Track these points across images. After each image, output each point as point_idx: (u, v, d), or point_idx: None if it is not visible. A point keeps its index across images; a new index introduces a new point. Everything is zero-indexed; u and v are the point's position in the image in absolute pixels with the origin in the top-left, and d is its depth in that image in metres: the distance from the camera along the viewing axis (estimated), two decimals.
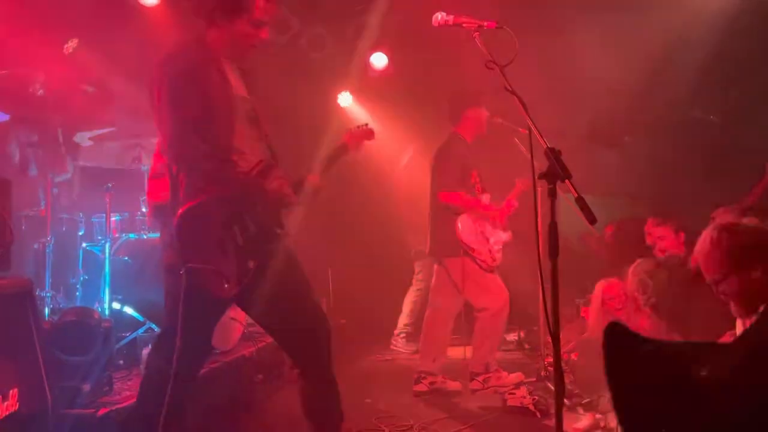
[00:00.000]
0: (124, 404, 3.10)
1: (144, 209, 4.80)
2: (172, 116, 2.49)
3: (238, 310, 4.33)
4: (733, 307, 2.47)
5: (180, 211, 2.46)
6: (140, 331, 4.17)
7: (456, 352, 5.09)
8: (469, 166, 4.60)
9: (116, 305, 4.31)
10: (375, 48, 5.97)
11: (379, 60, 5.94)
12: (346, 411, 2.80)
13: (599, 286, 4.46)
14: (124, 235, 4.70)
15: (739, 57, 6.33)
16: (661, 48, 5.82)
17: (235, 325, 4.36)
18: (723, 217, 4.02)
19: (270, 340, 4.53)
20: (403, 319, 6.24)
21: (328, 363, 2.76)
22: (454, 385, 4.57)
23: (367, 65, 5.99)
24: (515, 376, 4.53)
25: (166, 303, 2.67)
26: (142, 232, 4.73)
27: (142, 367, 3.09)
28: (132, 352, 4.01)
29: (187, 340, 2.53)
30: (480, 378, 4.49)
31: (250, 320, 3.93)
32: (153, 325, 4.16)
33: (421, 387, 4.52)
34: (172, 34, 4.88)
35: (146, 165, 4.73)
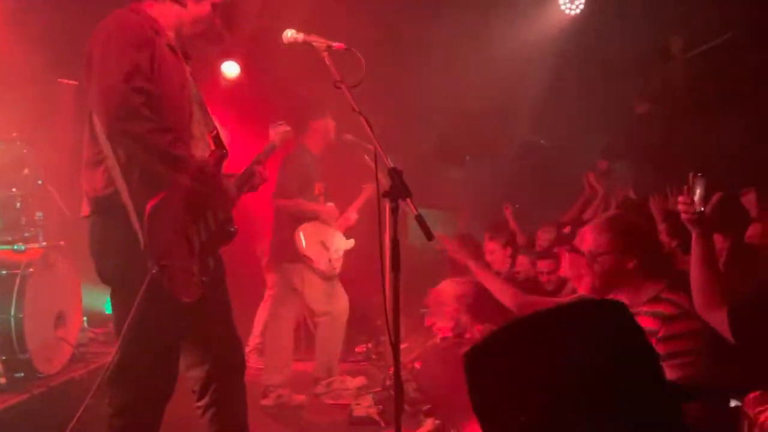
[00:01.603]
0: None
1: None
2: (119, 85, 2.18)
3: (68, 326, 4.02)
4: (592, 284, 2.69)
5: (150, 204, 2.21)
6: None
7: (301, 366, 5.09)
8: (313, 178, 4.66)
9: None
10: (226, 56, 5.84)
11: (230, 69, 5.82)
12: (190, 429, 2.71)
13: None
14: None
15: (566, 88, 7.05)
16: (502, 77, 6.32)
17: (62, 345, 4.01)
18: (543, 235, 4.47)
19: (105, 360, 4.23)
20: (255, 337, 5.97)
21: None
22: (299, 399, 4.57)
23: (218, 73, 5.84)
24: (358, 380, 4.64)
25: (119, 320, 2.34)
26: None
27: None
28: None
29: (141, 356, 2.28)
30: (324, 382, 4.56)
31: (81, 341, 3.64)
32: None
33: (268, 401, 4.47)
34: None
35: None
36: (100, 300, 5.16)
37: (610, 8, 5.81)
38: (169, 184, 2.28)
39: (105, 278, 2.46)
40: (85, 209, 2.45)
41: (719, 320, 2.23)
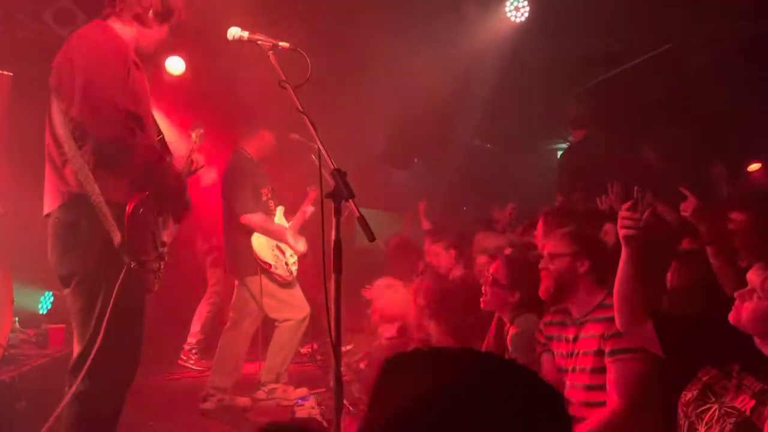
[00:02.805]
0: None
1: None
2: (102, 99, 2.36)
3: (4, 328, 3.87)
4: (546, 287, 2.81)
5: (132, 204, 2.38)
6: None
7: (248, 368, 5.03)
8: (259, 185, 4.60)
9: None
10: (171, 51, 5.70)
11: (175, 64, 5.67)
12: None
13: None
14: None
15: (511, 94, 7.21)
16: (449, 82, 6.40)
17: None
18: (483, 240, 4.56)
19: (38, 363, 4.09)
20: (194, 334, 5.90)
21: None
22: (243, 401, 4.51)
23: (162, 69, 5.69)
24: (300, 391, 4.55)
25: (85, 313, 2.44)
26: None
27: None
28: None
29: (113, 345, 2.38)
30: (266, 388, 4.48)
31: (12, 342, 3.50)
32: None
33: (209, 404, 4.40)
34: None
35: None
36: (34, 300, 4.97)
37: (554, 16, 5.95)
38: (144, 185, 2.47)
39: (67, 273, 2.50)
40: (50, 206, 2.50)
41: (646, 334, 2.29)
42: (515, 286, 3.23)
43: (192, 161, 2.99)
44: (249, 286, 4.55)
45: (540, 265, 2.89)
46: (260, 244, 4.50)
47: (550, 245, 2.86)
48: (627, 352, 2.50)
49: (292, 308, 4.59)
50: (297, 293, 4.66)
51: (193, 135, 3.30)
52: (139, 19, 2.63)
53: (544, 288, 2.85)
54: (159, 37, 2.73)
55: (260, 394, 4.48)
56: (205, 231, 5.72)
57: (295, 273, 4.66)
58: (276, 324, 4.64)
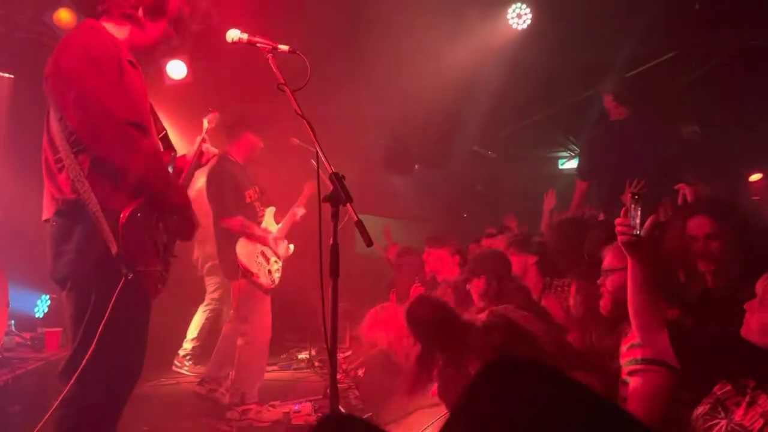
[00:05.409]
0: None
1: None
2: (97, 113, 2.28)
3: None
4: (603, 305, 2.69)
5: (125, 213, 2.32)
6: None
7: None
8: (243, 187, 4.51)
9: None
10: (173, 55, 5.70)
11: (176, 69, 5.67)
12: None
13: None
14: None
15: (512, 103, 7.21)
16: (451, 89, 6.40)
17: None
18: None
19: (33, 366, 4.06)
20: (190, 341, 5.84)
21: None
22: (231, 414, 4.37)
23: (163, 73, 5.68)
24: (274, 414, 4.33)
25: (75, 319, 2.39)
26: None
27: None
28: None
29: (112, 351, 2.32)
30: (238, 409, 4.30)
31: (7, 345, 3.47)
32: None
33: (201, 389, 4.50)
34: None
35: None
36: (30, 303, 4.95)
37: (555, 24, 5.95)
38: (141, 192, 2.38)
39: (62, 277, 2.45)
40: (48, 212, 2.45)
41: (659, 344, 2.23)
42: None
43: (201, 153, 2.93)
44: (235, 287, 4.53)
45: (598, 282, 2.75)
46: (244, 249, 4.43)
47: (606, 261, 2.69)
48: (644, 363, 2.40)
49: (256, 321, 4.48)
50: (268, 304, 4.54)
51: (205, 121, 3.21)
52: (129, 18, 2.56)
53: (602, 306, 2.71)
54: (154, 34, 2.64)
55: (233, 414, 4.28)
56: (201, 239, 5.58)
57: (276, 281, 4.57)
58: (238, 340, 4.51)
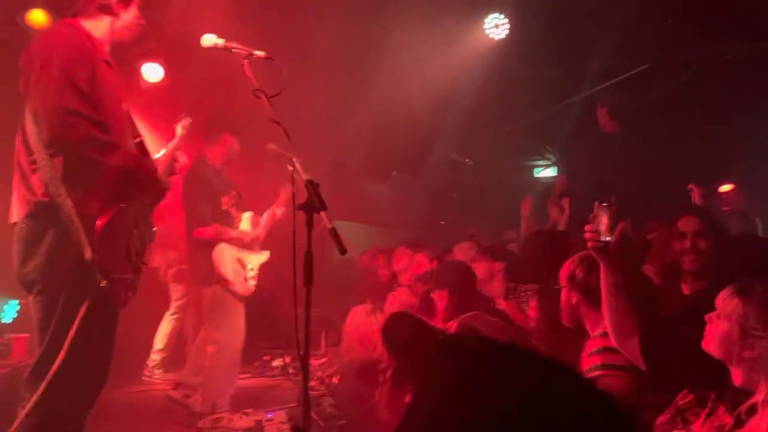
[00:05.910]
0: None
1: None
2: (67, 103, 2.26)
3: None
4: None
5: (103, 220, 2.29)
6: None
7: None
8: (219, 192, 4.41)
9: None
10: (149, 58, 5.63)
11: (152, 72, 5.59)
12: None
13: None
14: None
15: (489, 112, 7.26)
16: (429, 97, 6.43)
17: None
18: (458, 253, 4.56)
19: (3, 371, 3.97)
20: (157, 352, 5.69)
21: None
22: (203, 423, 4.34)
23: (138, 76, 5.60)
24: (245, 422, 4.25)
25: (42, 324, 2.35)
26: None
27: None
28: None
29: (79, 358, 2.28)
30: (209, 418, 4.21)
31: None
32: None
33: (176, 394, 4.44)
34: None
35: None
36: None
37: (533, 34, 6.01)
38: (119, 196, 2.37)
39: (29, 281, 2.41)
40: (18, 214, 2.41)
41: (631, 348, 2.26)
42: None
43: (175, 160, 2.95)
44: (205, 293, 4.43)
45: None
46: (221, 257, 4.34)
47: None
48: (604, 369, 2.42)
49: (228, 329, 4.38)
50: (241, 313, 4.44)
51: (179, 127, 3.17)
52: (105, 9, 2.54)
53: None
54: (131, 22, 2.62)
55: (205, 423, 4.19)
56: (163, 245, 5.44)
57: (252, 289, 4.47)
58: (208, 347, 4.42)
